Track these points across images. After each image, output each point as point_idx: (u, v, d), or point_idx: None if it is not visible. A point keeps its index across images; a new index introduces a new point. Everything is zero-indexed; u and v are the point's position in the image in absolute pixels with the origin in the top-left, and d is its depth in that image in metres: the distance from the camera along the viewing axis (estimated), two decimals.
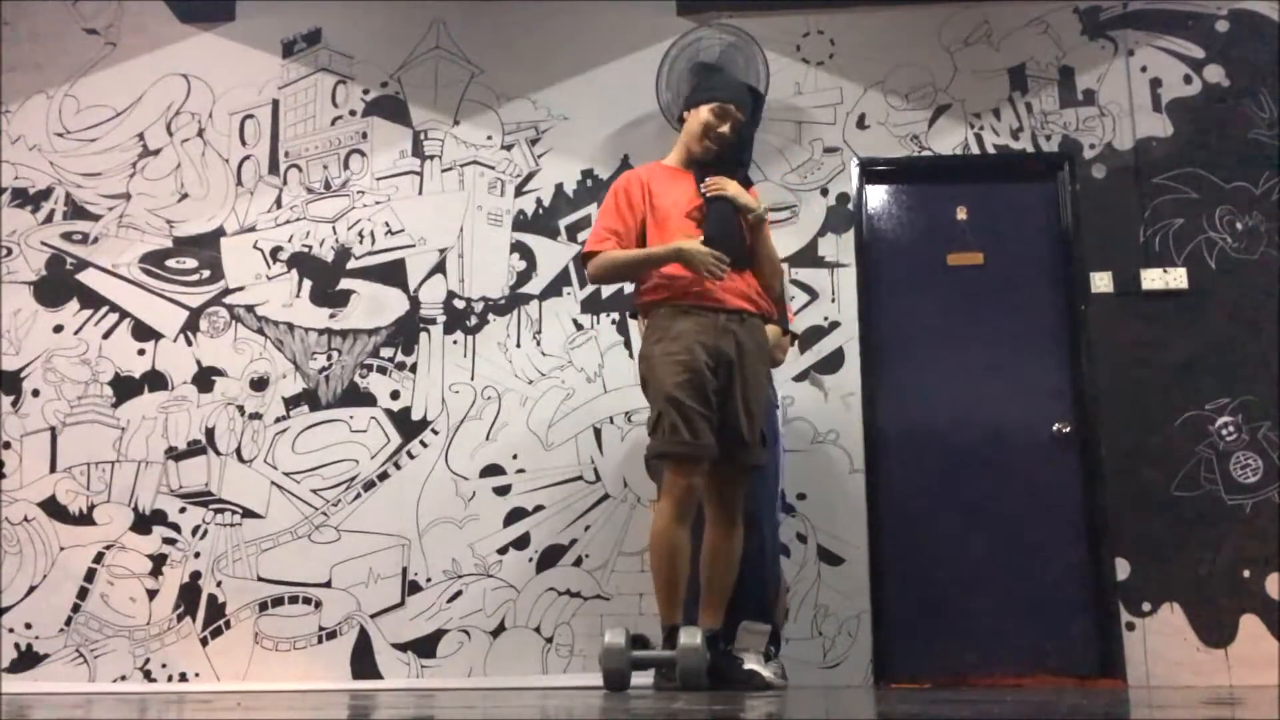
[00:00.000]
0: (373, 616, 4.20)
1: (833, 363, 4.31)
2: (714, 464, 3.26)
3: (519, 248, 4.49)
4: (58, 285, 4.56)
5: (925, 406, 4.32)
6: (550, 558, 4.21)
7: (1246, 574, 4.06)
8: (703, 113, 3.45)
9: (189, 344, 4.48)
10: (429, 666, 4.14)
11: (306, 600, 4.24)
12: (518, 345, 4.40)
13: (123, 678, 4.21)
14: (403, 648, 4.17)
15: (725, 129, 3.43)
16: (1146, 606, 4.07)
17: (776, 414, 3.98)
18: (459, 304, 4.45)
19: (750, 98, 3.59)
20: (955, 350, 4.35)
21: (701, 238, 3.32)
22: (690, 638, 3.10)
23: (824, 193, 4.45)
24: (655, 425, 3.26)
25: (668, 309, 3.31)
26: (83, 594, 4.29)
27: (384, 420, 4.37)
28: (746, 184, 3.52)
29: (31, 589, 4.31)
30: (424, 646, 4.16)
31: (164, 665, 4.21)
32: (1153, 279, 4.29)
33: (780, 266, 3.56)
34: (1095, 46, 4.51)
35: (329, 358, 4.44)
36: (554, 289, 4.44)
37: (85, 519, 4.35)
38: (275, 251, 4.54)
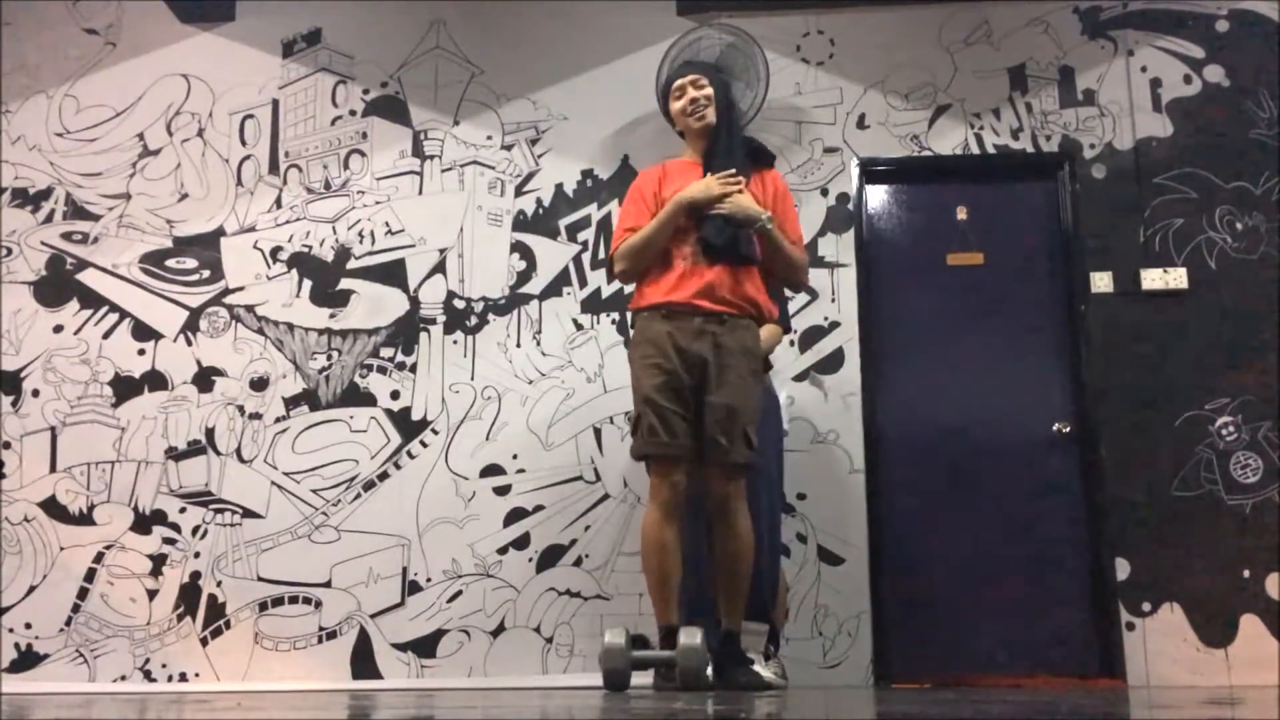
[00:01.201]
0: (373, 616, 4.20)
1: (833, 363, 4.31)
2: (701, 465, 3.29)
3: (519, 248, 4.49)
4: (58, 285, 4.56)
5: (925, 406, 4.32)
6: (550, 558, 4.21)
7: (1246, 574, 4.06)
8: (672, 106, 3.62)
9: (189, 344, 4.48)
10: (429, 666, 4.14)
11: (306, 600, 4.24)
12: (518, 345, 4.40)
13: (123, 678, 4.21)
14: (403, 648, 4.17)
15: (692, 95, 3.54)
16: (1146, 606, 4.07)
17: (781, 414, 3.98)
18: (459, 304, 4.45)
19: (699, 65, 3.75)
20: (955, 350, 4.35)
21: (701, 241, 3.37)
22: (690, 638, 3.10)
23: (824, 193, 4.45)
24: (635, 427, 3.35)
25: (648, 314, 3.37)
26: (83, 594, 4.29)
27: (384, 420, 4.37)
28: (762, 157, 3.57)
29: (31, 589, 4.31)
30: (424, 646, 4.16)
31: (164, 665, 4.21)
32: (1153, 279, 4.29)
33: (802, 257, 3.54)
34: (1095, 46, 4.51)
35: (329, 358, 4.44)
36: (554, 289, 4.44)
37: (85, 519, 4.35)
38: (275, 251, 4.54)
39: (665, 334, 3.31)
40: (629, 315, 3.60)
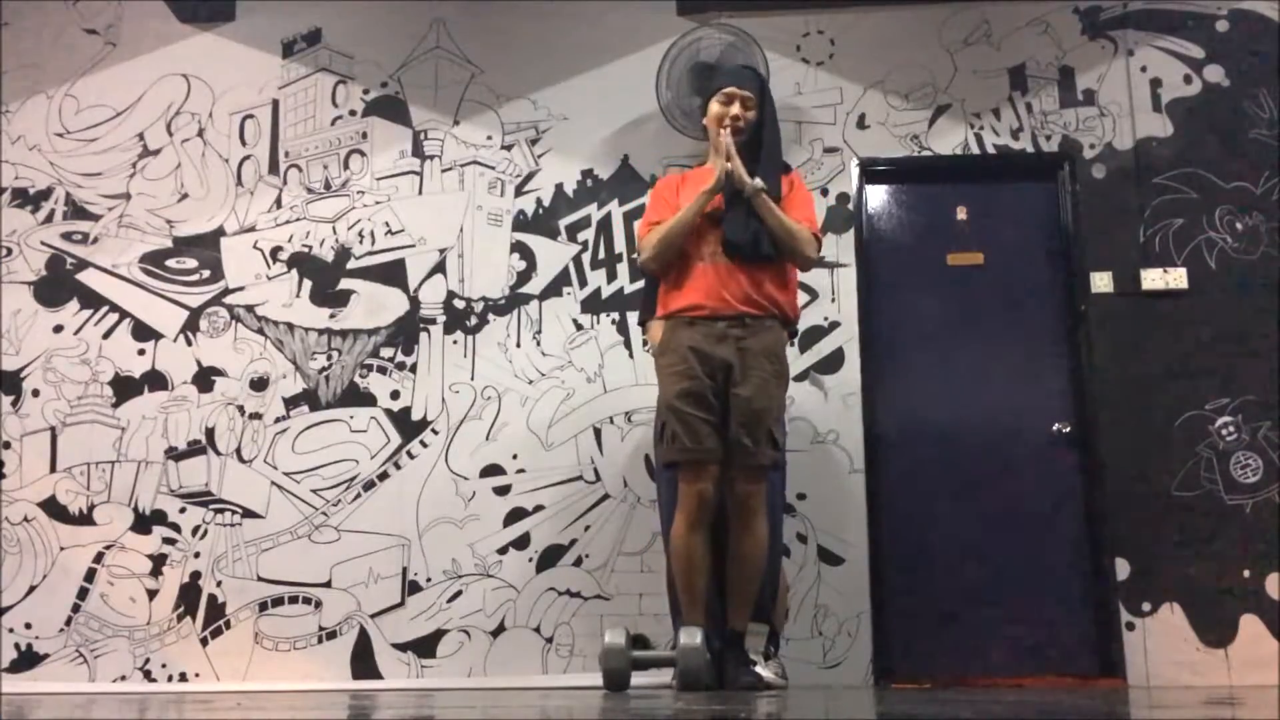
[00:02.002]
0: (373, 616, 4.20)
1: (833, 363, 4.31)
2: (725, 467, 3.29)
3: (519, 248, 4.48)
4: (58, 285, 4.56)
5: (925, 406, 4.32)
6: (550, 558, 4.21)
7: (1246, 574, 4.06)
8: (712, 107, 3.54)
9: (189, 344, 4.48)
10: (429, 666, 4.14)
11: (306, 600, 4.24)
12: (518, 345, 4.40)
13: (123, 678, 4.21)
14: (403, 648, 4.17)
15: (735, 109, 3.49)
16: (1146, 606, 4.07)
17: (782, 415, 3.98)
18: (459, 304, 4.45)
19: (755, 78, 3.63)
20: (955, 350, 4.35)
21: (723, 239, 3.39)
22: (690, 638, 3.10)
23: (824, 193, 4.44)
24: (660, 435, 3.37)
25: (672, 322, 3.39)
26: (83, 594, 4.29)
27: (384, 420, 4.37)
28: (784, 169, 3.57)
29: (31, 589, 4.31)
30: (424, 646, 4.16)
31: (164, 665, 4.21)
32: (1153, 279, 4.29)
33: (800, 227, 3.43)
34: (1095, 46, 4.51)
35: (329, 358, 4.44)
36: (554, 289, 4.44)
37: (85, 519, 4.35)
38: (275, 251, 4.54)
39: (685, 340, 3.34)
40: (639, 318, 3.61)
